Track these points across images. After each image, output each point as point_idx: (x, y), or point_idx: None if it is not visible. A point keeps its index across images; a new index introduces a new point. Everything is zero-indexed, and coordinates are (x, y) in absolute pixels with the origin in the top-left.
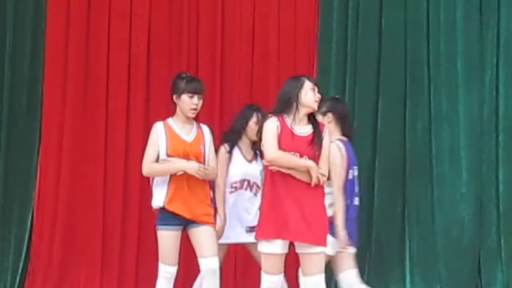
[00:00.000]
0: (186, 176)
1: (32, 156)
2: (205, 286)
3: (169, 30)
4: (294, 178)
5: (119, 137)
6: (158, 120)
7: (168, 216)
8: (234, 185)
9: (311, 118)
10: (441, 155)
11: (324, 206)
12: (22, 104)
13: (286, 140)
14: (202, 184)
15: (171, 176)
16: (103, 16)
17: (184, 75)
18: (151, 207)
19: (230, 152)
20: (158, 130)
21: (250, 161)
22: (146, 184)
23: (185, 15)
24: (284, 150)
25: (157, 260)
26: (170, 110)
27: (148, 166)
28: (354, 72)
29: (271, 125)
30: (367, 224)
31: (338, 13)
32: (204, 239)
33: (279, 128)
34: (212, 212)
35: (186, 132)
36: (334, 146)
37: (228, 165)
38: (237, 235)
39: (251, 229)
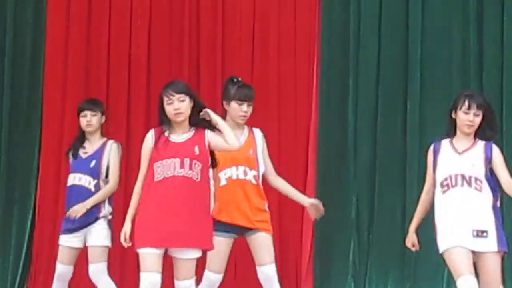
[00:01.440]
0: None
1: (33, 156)
2: None
3: (169, 30)
4: None
5: (120, 138)
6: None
7: None
8: None
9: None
10: None
11: None
12: (23, 105)
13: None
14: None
15: None
16: (103, 17)
17: (235, 80)
18: None
19: None
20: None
21: None
22: None
23: (186, 15)
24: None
25: None
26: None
27: None
28: (356, 72)
29: None
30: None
31: (339, 13)
32: None
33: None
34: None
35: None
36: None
37: None
38: None
39: None
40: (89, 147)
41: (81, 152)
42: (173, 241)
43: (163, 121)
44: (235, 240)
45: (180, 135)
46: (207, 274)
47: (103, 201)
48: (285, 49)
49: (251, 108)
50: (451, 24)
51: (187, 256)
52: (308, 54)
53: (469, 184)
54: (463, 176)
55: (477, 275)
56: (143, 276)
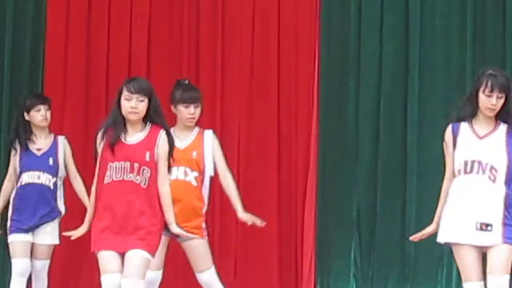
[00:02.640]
0: None
1: None
2: None
3: (169, 30)
4: None
5: None
6: None
7: None
8: None
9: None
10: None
11: None
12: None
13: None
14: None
15: None
16: (103, 16)
17: (181, 83)
18: None
19: None
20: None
21: None
22: None
23: (186, 15)
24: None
25: None
26: (169, 111)
27: None
28: (357, 72)
29: None
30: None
31: (339, 13)
32: None
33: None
34: None
35: (182, 138)
36: None
37: None
38: None
39: None
40: (41, 143)
41: (32, 149)
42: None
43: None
44: (170, 239)
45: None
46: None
47: (60, 200)
48: (286, 49)
49: (198, 110)
50: (451, 24)
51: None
52: (309, 54)
53: (484, 172)
54: (479, 163)
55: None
56: (103, 277)
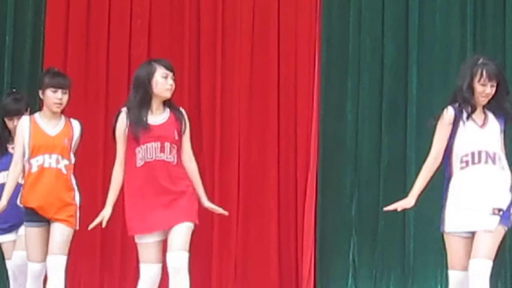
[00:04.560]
0: None
1: None
2: None
3: (169, 30)
4: None
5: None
6: None
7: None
8: None
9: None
10: None
11: None
12: None
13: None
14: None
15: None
16: (103, 17)
17: (50, 70)
18: None
19: None
20: (22, 123)
21: None
22: None
23: (186, 16)
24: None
25: None
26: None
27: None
28: (357, 72)
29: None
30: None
31: (339, 13)
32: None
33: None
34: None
35: (52, 126)
36: None
37: None
38: None
39: None
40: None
41: (9, 148)
42: None
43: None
44: (48, 227)
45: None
46: (29, 265)
47: None
48: (285, 49)
49: (66, 97)
50: (450, 24)
51: None
52: (309, 54)
53: (493, 161)
54: (487, 153)
55: None
56: (143, 267)
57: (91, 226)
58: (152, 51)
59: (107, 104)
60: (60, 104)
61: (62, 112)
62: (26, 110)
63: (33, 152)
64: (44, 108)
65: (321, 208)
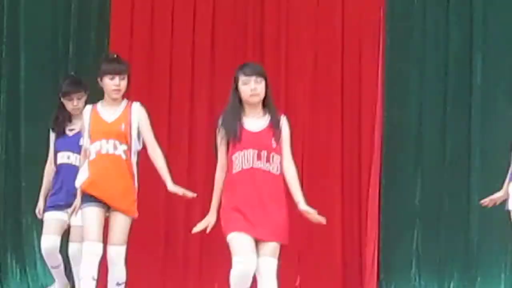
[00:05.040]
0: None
1: None
2: None
3: (233, 17)
4: None
5: (183, 125)
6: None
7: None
8: None
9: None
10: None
11: None
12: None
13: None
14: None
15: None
16: (167, 3)
17: (108, 57)
18: None
19: None
20: (84, 112)
21: None
22: (211, 169)
23: (250, 2)
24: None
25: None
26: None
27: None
28: (422, 60)
29: None
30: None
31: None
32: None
33: None
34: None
35: (111, 112)
36: None
37: None
38: None
39: None
40: (75, 124)
41: (66, 129)
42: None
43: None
44: (106, 211)
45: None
46: (86, 245)
47: None
48: (349, 38)
49: (124, 82)
50: None
51: None
52: (372, 43)
53: None
54: None
55: None
56: (235, 259)
57: (194, 230)
58: (216, 39)
59: (171, 91)
60: (118, 90)
61: (123, 97)
62: (85, 92)
63: (91, 139)
64: (105, 95)
65: (385, 195)
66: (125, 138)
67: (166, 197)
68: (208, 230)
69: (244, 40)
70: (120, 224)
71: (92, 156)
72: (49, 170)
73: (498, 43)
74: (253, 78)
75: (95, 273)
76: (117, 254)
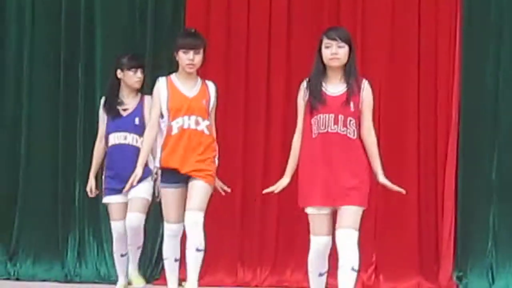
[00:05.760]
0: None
1: None
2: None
3: None
4: None
5: (260, 99)
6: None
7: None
8: None
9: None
10: None
11: None
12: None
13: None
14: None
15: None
16: None
17: (185, 31)
18: None
19: None
20: (159, 85)
21: None
22: (289, 137)
23: None
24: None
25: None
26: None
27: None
28: (499, 36)
29: None
30: None
31: None
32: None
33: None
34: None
35: (189, 87)
36: None
37: None
38: None
39: None
40: (127, 104)
41: (119, 109)
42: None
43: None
44: (185, 188)
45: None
46: (166, 226)
47: (151, 159)
48: (426, 12)
49: (198, 57)
50: None
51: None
52: (450, 17)
53: None
54: None
55: None
56: (313, 239)
57: (266, 191)
58: (291, 12)
59: (247, 67)
60: (192, 65)
61: (198, 73)
62: (141, 67)
63: (173, 114)
64: (180, 69)
65: (462, 171)
66: (206, 113)
67: (243, 169)
68: (277, 191)
69: (320, 12)
70: (201, 190)
71: (174, 131)
72: (99, 148)
73: None
74: (335, 42)
75: (178, 255)
76: (197, 219)
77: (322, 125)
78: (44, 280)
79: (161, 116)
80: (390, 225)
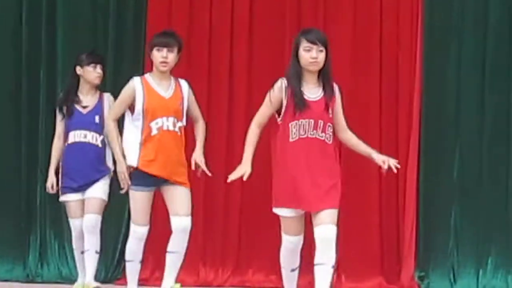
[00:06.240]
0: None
1: None
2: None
3: None
4: None
5: (222, 98)
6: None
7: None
8: None
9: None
10: None
11: None
12: (124, 70)
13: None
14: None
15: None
16: None
17: (161, 31)
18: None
19: None
20: (134, 85)
21: None
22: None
23: None
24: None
25: (261, 219)
26: (274, 69)
27: (108, 124)
28: (460, 32)
29: None
30: None
31: None
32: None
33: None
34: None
35: (164, 88)
36: None
37: None
38: None
39: None
40: (87, 101)
41: (78, 107)
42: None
43: (295, 71)
44: (155, 192)
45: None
46: (134, 228)
47: (109, 158)
48: (388, 12)
49: (172, 55)
50: None
51: None
52: (411, 18)
53: None
54: None
55: None
56: (285, 238)
57: (231, 178)
58: (253, 14)
59: (209, 66)
60: (166, 62)
61: (171, 73)
62: (100, 63)
63: (151, 115)
64: (154, 69)
65: (424, 171)
66: (182, 115)
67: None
68: (245, 178)
69: (282, 12)
70: (186, 196)
71: (154, 132)
72: (57, 146)
73: None
74: (315, 46)
75: (141, 256)
76: (188, 224)
77: (303, 130)
78: (6, 281)
79: (130, 114)
80: (352, 225)
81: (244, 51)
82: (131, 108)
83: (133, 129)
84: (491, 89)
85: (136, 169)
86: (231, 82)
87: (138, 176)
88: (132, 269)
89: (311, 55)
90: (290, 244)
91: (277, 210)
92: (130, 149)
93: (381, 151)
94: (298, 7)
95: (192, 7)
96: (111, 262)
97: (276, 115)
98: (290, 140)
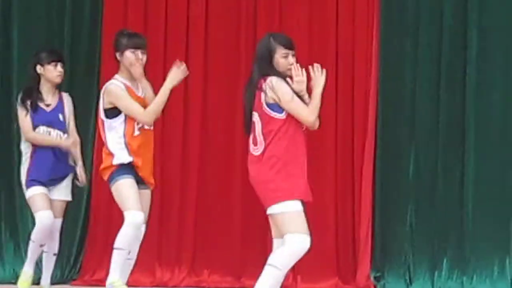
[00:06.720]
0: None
1: (89, 119)
2: None
3: None
4: None
5: (178, 98)
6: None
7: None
8: None
9: None
10: None
11: None
12: (80, 69)
13: None
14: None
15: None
16: None
17: (125, 32)
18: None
19: None
20: (119, 84)
21: None
22: (205, 139)
23: None
24: None
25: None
26: (229, 71)
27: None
28: (416, 32)
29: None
30: None
31: None
32: None
33: None
34: None
35: (136, 87)
36: None
37: None
38: None
39: None
40: (49, 100)
41: (41, 104)
42: None
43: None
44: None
45: None
46: (132, 213)
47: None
48: (343, 12)
49: (145, 57)
50: None
51: None
52: (367, 16)
53: None
54: None
55: None
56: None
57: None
58: (209, 13)
59: (164, 65)
60: (140, 64)
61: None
62: (61, 61)
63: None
64: (123, 70)
65: (379, 171)
66: None
67: (160, 167)
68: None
69: (238, 11)
70: (149, 202)
71: (136, 132)
72: (36, 136)
73: (493, 16)
74: (291, 51)
75: (132, 248)
76: (143, 230)
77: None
78: None
79: (108, 115)
80: (308, 226)
81: (200, 52)
82: (111, 109)
83: (114, 130)
84: (447, 89)
85: (123, 164)
86: (186, 82)
87: (126, 168)
88: (119, 258)
89: (289, 61)
90: (307, 245)
91: (291, 204)
92: (116, 149)
93: (336, 151)
94: (254, 9)
95: (148, 5)
96: (67, 263)
97: (276, 112)
98: (301, 131)
